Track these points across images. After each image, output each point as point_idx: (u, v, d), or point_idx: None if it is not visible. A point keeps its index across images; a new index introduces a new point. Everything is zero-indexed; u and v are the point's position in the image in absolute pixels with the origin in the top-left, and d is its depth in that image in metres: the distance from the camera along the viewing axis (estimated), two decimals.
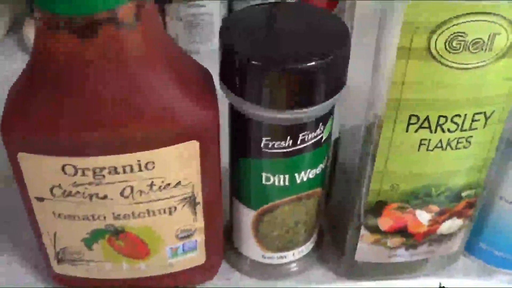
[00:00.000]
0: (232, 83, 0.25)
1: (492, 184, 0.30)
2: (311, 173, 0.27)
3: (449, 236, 0.30)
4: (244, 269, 0.31)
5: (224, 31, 0.25)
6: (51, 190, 0.26)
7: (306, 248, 0.30)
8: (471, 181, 0.27)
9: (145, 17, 0.23)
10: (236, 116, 0.26)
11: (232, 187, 0.29)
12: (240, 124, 0.26)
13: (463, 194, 0.28)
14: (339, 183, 0.30)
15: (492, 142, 0.26)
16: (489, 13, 0.22)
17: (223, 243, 0.30)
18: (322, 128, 0.26)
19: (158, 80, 0.24)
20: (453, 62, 0.23)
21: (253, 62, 0.23)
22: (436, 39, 0.22)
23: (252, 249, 0.30)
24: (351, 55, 0.25)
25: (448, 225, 0.29)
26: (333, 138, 0.29)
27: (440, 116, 0.25)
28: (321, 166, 0.27)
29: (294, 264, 0.31)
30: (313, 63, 0.23)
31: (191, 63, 0.26)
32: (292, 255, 0.30)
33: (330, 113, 0.26)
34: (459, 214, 0.29)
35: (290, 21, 0.26)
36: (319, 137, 0.26)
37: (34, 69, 0.24)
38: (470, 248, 0.32)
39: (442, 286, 0.26)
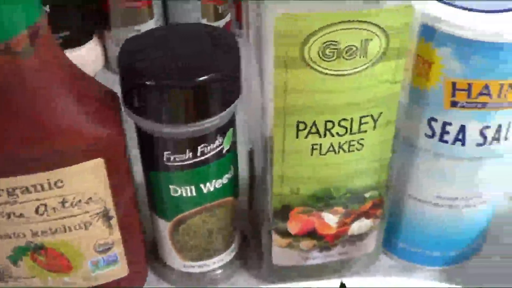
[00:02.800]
0: (129, 101, 0.26)
1: (400, 183, 0.31)
2: (217, 183, 0.28)
3: (361, 237, 0.31)
4: (170, 279, 0.32)
5: (122, 54, 0.27)
6: None
7: (227, 255, 0.31)
8: (372, 182, 0.29)
9: (40, 44, 0.25)
10: (139, 132, 0.28)
11: (148, 199, 0.30)
12: (143, 139, 0.27)
13: (367, 195, 0.29)
14: (256, 191, 0.32)
15: (385, 143, 0.27)
16: (359, 21, 0.23)
17: (147, 254, 0.32)
18: (221, 140, 0.27)
19: (59, 101, 0.25)
20: (330, 69, 0.24)
21: (145, 81, 0.25)
22: (309, 49, 0.24)
23: (173, 259, 0.31)
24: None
25: (358, 226, 0.30)
26: (249, 148, 0.31)
27: (326, 121, 0.26)
28: (227, 176, 0.28)
29: (218, 271, 0.32)
30: (199, 78, 0.25)
31: (94, 84, 0.28)
32: (212, 263, 0.31)
33: (229, 124, 0.27)
34: (367, 215, 0.30)
35: (185, 40, 0.27)
36: (219, 148, 0.27)
37: None
38: (390, 247, 0.34)
39: (343, 284, 0.27)
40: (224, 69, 0.25)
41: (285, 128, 0.26)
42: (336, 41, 0.24)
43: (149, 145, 0.27)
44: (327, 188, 0.28)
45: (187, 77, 0.25)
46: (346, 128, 0.26)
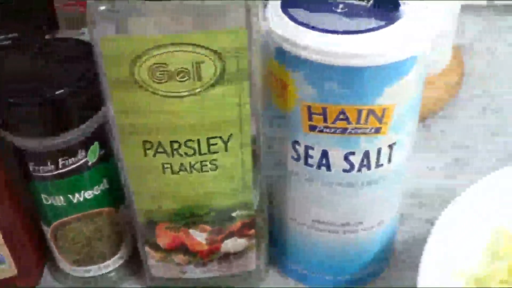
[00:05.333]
0: None
1: (280, 205, 0.30)
2: (87, 194, 0.29)
3: (239, 255, 0.30)
4: (62, 282, 0.33)
5: None
6: None
7: (113, 262, 0.32)
8: (238, 202, 0.28)
9: None
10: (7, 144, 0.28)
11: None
12: (13, 149, 0.28)
13: (234, 214, 0.28)
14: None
15: (244, 164, 0.27)
16: (187, 44, 0.23)
17: (40, 257, 0.33)
18: (83, 154, 0.28)
19: None
20: (163, 91, 0.24)
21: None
22: (139, 70, 0.23)
23: (61, 263, 0.32)
24: None
25: (231, 244, 0.29)
26: None
27: (172, 141, 0.25)
28: (99, 187, 0.29)
29: (105, 277, 0.32)
30: (48, 94, 0.25)
31: None
32: (98, 269, 0.32)
33: (93, 138, 0.28)
34: (239, 234, 0.29)
35: (42, 55, 0.28)
36: (83, 161, 0.28)
37: None
38: (283, 267, 0.33)
39: None
40: (76, 83, 0.26)
41: (132, 146, 0.26)
42: (165, 64, 0.23)
43: (17, 156, 0.28)
44: (189, 206, 0.28)
45: (35, 92, 0.25)
46: (194, 149, 0.26)
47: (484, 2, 0.52)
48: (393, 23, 0.24)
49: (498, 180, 0.31)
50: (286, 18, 0.25)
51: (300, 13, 0.25)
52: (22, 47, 0.30)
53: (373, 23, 0.24)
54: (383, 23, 0.24)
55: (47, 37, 0.40)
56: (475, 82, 0.46)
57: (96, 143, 0.28)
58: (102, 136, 0.28)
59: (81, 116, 0.27)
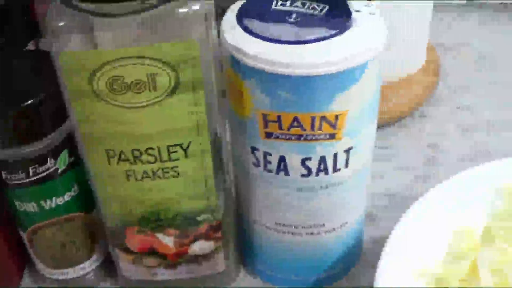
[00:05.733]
0: None
1: (245, 208, 0.31)
2: (59, 201, 0.30)
3: (206, 257, 0.31)
4: (41, 284, 0.34)
5: None
6: None
7: (89, 265, 0.33)
8: (203, 206, 0.29)
9: None
10: None
11: None
12: None
13: (199, 218, 0.29)
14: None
15: (206, 170, 0.27)
16: (140, 57, 0.24)
17: (19, 260, 0.34)
18: (53, 162, 0.29)
19: None
20: (122, 102, 0.25)
21: None
22: (97, 83, 0.24)
23: (39, 266, 0.33)
24: None
25: (199, 247, 0.30)
26: None
27: (133, 149, 0.26)
28: (70, 194, 0.30)
29: (81, 280, 0.33)
30: (12, 105, 0.26)
31: None
32: (73, 272, 0.33)
33: (63, 146, 0.29)
34: (206, 237, 0.30)
35: (20, 67, 0.29)
36: (53, 169, 0.29)
37: None
38: (251, 268, 0.34)
39: None
40: (42, 93, 0.27)
41: (96, 155, 0.27)
42: (122, 76, 0.24)
43: None
44: (155, 211, 0.29)
45: (5, 103, 0.27)
46: (155, 157, 0.27)
47: (460, 2, 0.53)
48: (343, 32, 0.25)
49: (461, 181, 0.31)
50: (239, 28, 0.26)
51: (253, 24, 0.26)
52: None
53: (323, 32, 0.25)
54: (333, 32, 0.25)
55: (29, 46, 0.41)
56: (451, 80, 0.47)
57: (65, 150, 0.29)
58: (71, 143, 0.29)
59: (50, 125, 0.28)
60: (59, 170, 0.29)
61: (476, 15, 0.54)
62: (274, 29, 0.25)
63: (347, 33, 0.25)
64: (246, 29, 0.26)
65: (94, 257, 0.33)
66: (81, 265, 0.33)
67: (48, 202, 0.30)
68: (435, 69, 0.45)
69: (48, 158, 0.28)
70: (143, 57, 0.24)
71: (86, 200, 0.31)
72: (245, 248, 0.33)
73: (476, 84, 0.47)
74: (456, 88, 0.46)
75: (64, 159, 0.29)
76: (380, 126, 0.43)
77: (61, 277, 0.33)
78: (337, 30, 0.25)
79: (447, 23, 0.53)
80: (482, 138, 0.42)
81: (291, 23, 0.26)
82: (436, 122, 0.44)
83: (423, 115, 0.44)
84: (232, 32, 0.26)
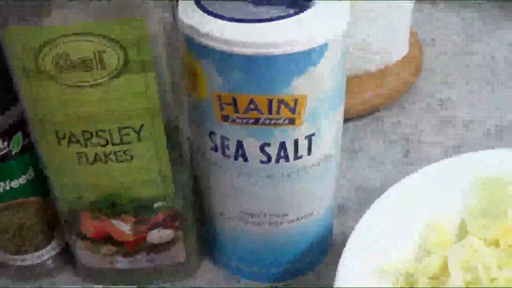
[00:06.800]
0: None
1: (207, 197, 0.30)
2: (13, 183, 0.29)
3: (166, 246, 0.30)
4: (2, 271, 0.33)
5: None
6: None
7: (48, 251, 0.32)
8: (157, 193, 0.28)
9: None
10: None
11: None
12: None
13: (155, 205, 0.28)
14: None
15: (161, 155, 0.26)
16: (87, 34, 0.23)
17: None
18: (6, 143, 0.28)
19: None
20: (70, 81, 0.24)
21: None
22: (43, 60, 0.23)
23: None
24: None
25: (157, 235, 0.29)
26: None
27: (83, 131, 0.25)
28: (25, 177, 0.29)
29: (46, 264, 0.32)
30: None
31: None
32: (31, 258, 0.32)
33: (16, 127, 0.28)
34: (164, 225, 0.29)
35: None
36: (6, 151, 0.28)
37: None
38: (216, 259, 0.33)
39: None
40: None
41: (46, 136, 0.26)
42: (67, 53, 0.23)
43: None
44: (108, 196, 0.28)
45: None
46: (106, 139, 0.26)
47: None
48: (302, 11, 0.24)
49: (431, 173, 0.30)
50: (195, 7, 0.25)
51: (210, 3, 0.25)
52: None
53: (281, 11, 0.24)
54: (291, 11, 0.24)
55: None
56: (431, 74, 0.46)
57: (19, 132, 0.28)
58: (25, 125, 0.28)
59: (0, 106, 0.27)
60: (13, 152, 0.28)
61: (461, 10, 0.53)
62: (231, 8, 0.24)
63: (306, 13, 0.24)
64: (202, 8, 0.24)
65: (53, 243, 0.32)
66: (39, 252, 0.32)
67: (2, 184, 0.29)
68: (417, 62, 0.43)
69: (1, 140, 0.28)
70: (89, 33, 0.23)
71: (42, 184, 0.30)
72: (208, 238, 0.32)
73: (457, 80, 0.45)
74: (437, 83, 0.45)
75: (18, 141, 0.28)
76: (354, 117, 0.43)
77: (18, 263, 0.32)
78: (296, 10, 0.24)
79: (428, 16, 0.52)
80: (459, 133, 0.41)
81: (249, 2, 0.25)
82: (413, 116, 0.42)
83: (400, 108, 0.43)
84: (188, 11, 0.25)
